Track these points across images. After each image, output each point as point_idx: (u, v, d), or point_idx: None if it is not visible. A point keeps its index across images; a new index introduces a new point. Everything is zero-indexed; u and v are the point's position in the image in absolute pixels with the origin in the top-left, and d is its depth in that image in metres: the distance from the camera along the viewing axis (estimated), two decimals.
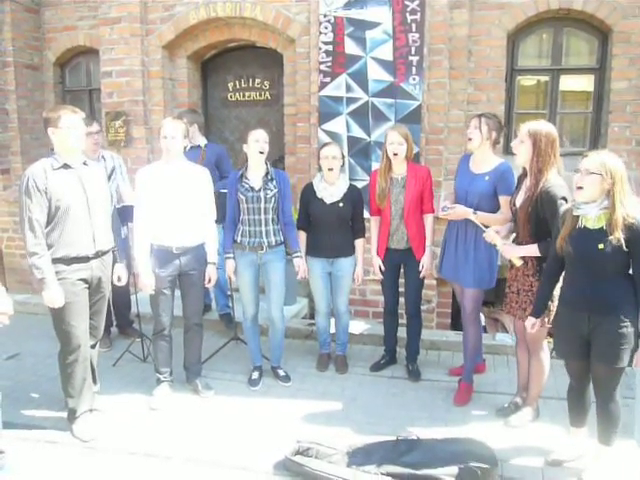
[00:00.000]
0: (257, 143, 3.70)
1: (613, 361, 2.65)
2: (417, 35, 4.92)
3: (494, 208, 3.48)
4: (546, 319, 3.13)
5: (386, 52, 5.00)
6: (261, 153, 3.72)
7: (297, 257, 3.98)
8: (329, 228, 4.00)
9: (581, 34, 5.21)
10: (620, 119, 5.01)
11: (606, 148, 4.69)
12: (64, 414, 3.45)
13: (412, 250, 3.92)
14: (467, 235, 3.60)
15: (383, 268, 4.06)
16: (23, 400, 3.74)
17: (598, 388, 2.81)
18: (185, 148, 4.61)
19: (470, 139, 3.56)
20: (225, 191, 4.08)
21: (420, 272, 3.93)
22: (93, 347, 3.55)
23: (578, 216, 2.69)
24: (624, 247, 2.54)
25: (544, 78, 5.37)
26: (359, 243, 4.11)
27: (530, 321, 3.04)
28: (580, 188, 2.64)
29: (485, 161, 3.56)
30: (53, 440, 3.31)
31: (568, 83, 5.34)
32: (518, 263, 3.21)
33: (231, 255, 3.89)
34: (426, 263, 3.92)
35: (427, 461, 2.89)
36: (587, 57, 5.27)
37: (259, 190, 3.76)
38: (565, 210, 2.81)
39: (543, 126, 3.11)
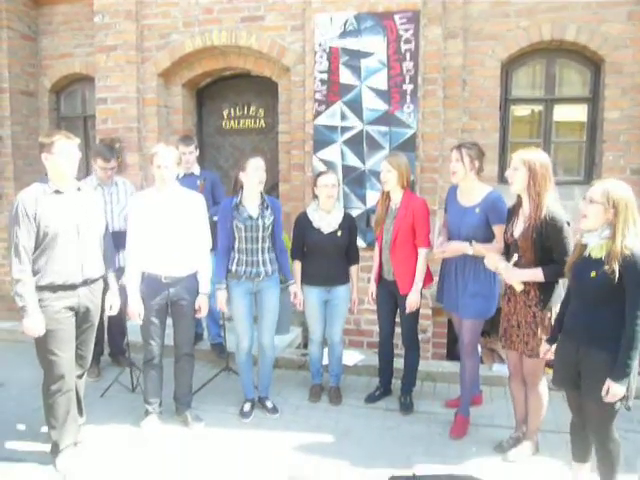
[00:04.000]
0: (257, 172, 3.65)
1: (601, 397, 2.55)
2: (411, 64, 4.95)
3: (489, 238, 3.43)
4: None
5: (381, 81, 5.03)
6: (260, 182, 3.68)
7: (292, 284, 3.94)
8: (326, 257, 3.95)
9: (574, 65, 5.27)
10: (614, 148, 5.02)
11: (600, 177, 4.69)
12: (48, 447, 3.33)
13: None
14: (465, 266, 3.54)
15: (374, 295, 4.02)
16: (6, 432, 3.62)
17: (592, 426, 2.72)
18: (178, 175, 4.61)
19: (454, 172, 3.52)
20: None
21: (407, 308, 3.82)
22: (80, 377, 3.46)
23: (586, 245, 2.66)
24: (616, 278, 2.48)
25: (538, 108, 5.40)
26: (354, 270, 4.08)
27: (544, 347, 2.99)
28: (584, 217, 2.62)
29: (472, 192, 3.51)
30: (35, 476, 3.18)
31: (562, 113, 5.37)
32: (519, 288, 3.13)
33: (223, 286, 3.79)
34: (411, 301, 3.77)
35: None
36: (580, 87, 5.32)
37: (257, 218, 3.71)
38: (578, 238, 2.78)
39: (535, 153, 3.12)
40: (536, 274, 3.05)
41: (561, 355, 2.82)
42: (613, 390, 2.50)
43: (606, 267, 2.51)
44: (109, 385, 4.28)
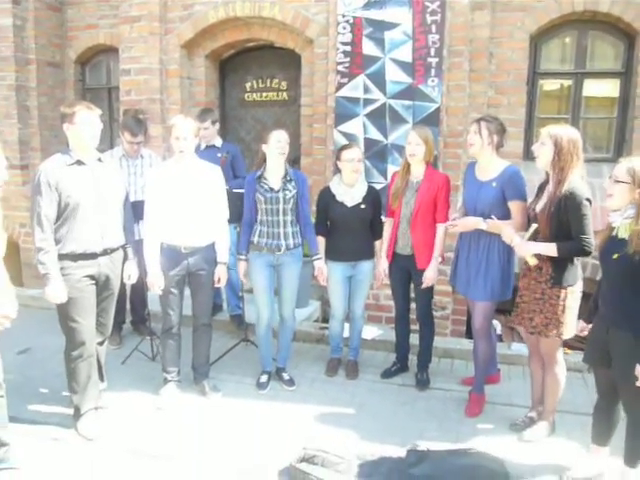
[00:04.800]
0: (279, 144, 3.63)
1: (633, 381, 2.51)
2: (437, 36, 4.84)
3: (506, 215, 3.33)
4: (555, 331, 3.05)
5: (405, 53, 4.93)
6: (282, 154, 3.66)
7: (317, 259, 3.91)
8: (351, 231, 3.92)
9: (606, 37, 5.08)
10: None
11: (630, 155, 4.55)
12: (70, 411, 3.42)
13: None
14: (479, 247, 3.46)
15: (387, 272, 3.98)
16: (30, 395, 3.73)
17: (626, 407, 2.69)
18: (200, 147, 4.62)
19: (471, 145, 3.44)
20: (239, 191, 4.03)
21: (423, 282, 3.79)
22: (101, 344, 3.54)
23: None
24: (633, 260, 2.42)
25: (567, 82, 5.24)
26: (378, 244, 4.04)
27: (581, 325, 2.96)
28: (610, 195, 2.56)
29: (490, 167, 3.42)
30: (57, 437, 3.29)
31: (592, 88, 5.20)
32: (532, 262, 3.05)
33: (244, 257, 3.82)
34: (429, 275, 3.75)
35: (436, 474, 2.81)
36: (612, 61, 5.14)
37: (278, 191, 3.70)
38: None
39: (564, 128, 3.02)
40: (550, 248, 2.97)
41: (593, 334, 2.81)
42: None
43: (626, 248, 2.45)
44: (130, 353, 4.37)
